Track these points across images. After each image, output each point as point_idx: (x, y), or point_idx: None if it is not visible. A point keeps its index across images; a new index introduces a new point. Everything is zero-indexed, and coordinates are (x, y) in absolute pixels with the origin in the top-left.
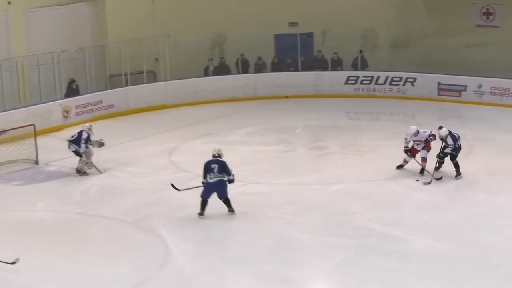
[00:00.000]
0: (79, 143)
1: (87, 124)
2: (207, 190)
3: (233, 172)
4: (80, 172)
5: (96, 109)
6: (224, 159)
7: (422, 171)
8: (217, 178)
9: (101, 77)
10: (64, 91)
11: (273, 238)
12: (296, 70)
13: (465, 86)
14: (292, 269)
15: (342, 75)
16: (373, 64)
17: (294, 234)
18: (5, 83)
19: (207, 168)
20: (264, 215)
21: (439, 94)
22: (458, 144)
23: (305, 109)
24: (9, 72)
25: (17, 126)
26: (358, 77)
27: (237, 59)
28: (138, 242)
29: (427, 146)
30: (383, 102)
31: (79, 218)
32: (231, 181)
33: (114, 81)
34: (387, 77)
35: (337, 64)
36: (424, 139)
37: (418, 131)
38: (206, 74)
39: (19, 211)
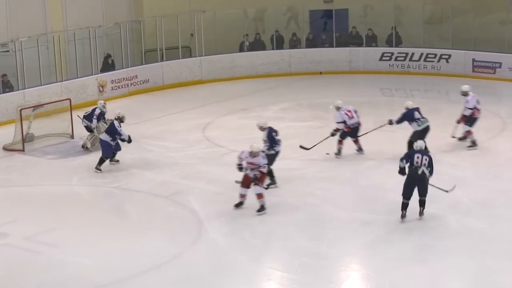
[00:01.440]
0: (91, 119)
1: (101, 101)
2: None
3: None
4: (83, 147)
5: (131, 84)
6: (258, 135)
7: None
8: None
9: (136, 52)
10: (99, 66)
11: (306, 213)
12: (331, 46)
13: (500, 63)
14: (324, 245)
15: (376, 51)
16: (407, 41)
17: (326, 209)
18: (41, 57)
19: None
20: (297, 190)
21: (473, 71)
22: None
23: (339, 85)
24: (46, 47)
25: (53, 100)
26: (392, 53)
27: (272, 35)
28: (172, 216)
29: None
30: (417, 79)
31: (114, 192)
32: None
33: (149, 56)
34: (421, 54)
35: (371, 41)
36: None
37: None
38: (241, 49)
39: (54, 185)
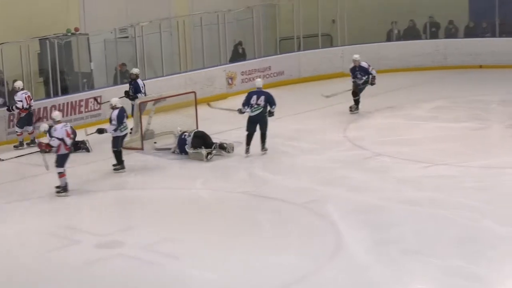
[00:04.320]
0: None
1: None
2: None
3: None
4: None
5: (264, 76)
6: (406, 136)
7: None
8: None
9: (270, 40)
10: (229, 55)
11: (460, 228)
12: (493, 36)
13: None
14: (481, 265)
15: None
16: None
17: (484, 224)
18: (164, 45)
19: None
20: (450, 202)
21: None
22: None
23: (503, 81)
24: (169, 33)
25: (176, 93)
26: None
27: (425, 23)
28: (307, 227)
29: None
30: None
31: (242, 198)
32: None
33: (284, 45)
34: None
35: None
36: None
37: None
38: (388, 38)
39: (175, 189)
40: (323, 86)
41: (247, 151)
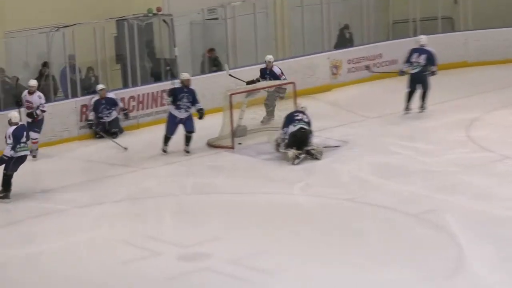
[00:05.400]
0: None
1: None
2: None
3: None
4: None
5: (374, 65)
6: None
7: None
8: None
9: (382, 24)
10: (333, 40)
11: None
12: None
13: None
14: None
15: None
16: None
17: None
18: (259, 28)
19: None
20: None
21: None
22: None
23: None
24: (265, 14)
25: (273, 84)
26: None
27: None
28: (422, 241)
29: None
30: None
31: (347, 205)
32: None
33: (398, 29)
34: None
35: None
36: None
37: None
38: None
39: (269, 194)
40: (445, 76)
41: (407, 108)
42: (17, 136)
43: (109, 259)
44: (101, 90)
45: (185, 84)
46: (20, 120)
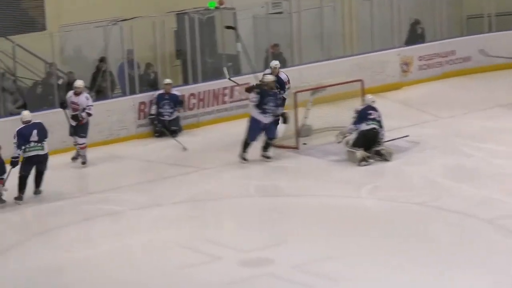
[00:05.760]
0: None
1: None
2: None
3: None
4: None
5: (447, 62)
6: None
7: None
8: None
9: (455, 19)
10: (404, 36)
11: None
12: None
13: None
14: None
15: None
16: None
17: None
18: (326, 23)
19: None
20: None
21: None
22: None
23: None
24: (332, 8)
25: (339, 82)
26: None
27: None
28: (497, 248)
29: None
30: None
31: (417, 210)
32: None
33: (473, 24)
34: None
35: None
36: None
37: None
38: None
39: (334, 197)
40: None
41: None
42: (23, 135)
43: (166, 264)
44: (167, 84)
45: (270, 87)
46: (69, 122)
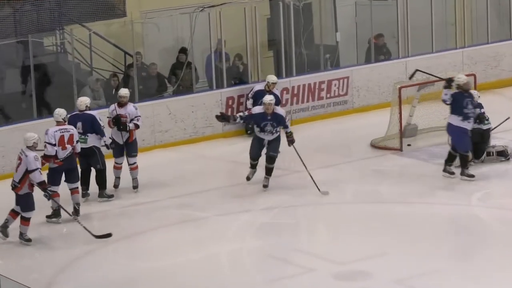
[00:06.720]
0: None
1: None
2: None
3: None
4: None
5: None
6: None
7: None
8: None
9: None
10: None
11: None
12: None
13: None
14: None
15: None
16: None
17: None
18: (435, 11)
19: None
20: None
21: None
22: None
23: None
24: None
25: (449, 77)
26: None
27: None
28: None
29: None
30: None
31: None
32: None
33: None
34: None
35: None
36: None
37: None
38: None
39: (443, 204)
40: None
41: None
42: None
43: (254, 276)
44: (273, 83)
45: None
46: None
